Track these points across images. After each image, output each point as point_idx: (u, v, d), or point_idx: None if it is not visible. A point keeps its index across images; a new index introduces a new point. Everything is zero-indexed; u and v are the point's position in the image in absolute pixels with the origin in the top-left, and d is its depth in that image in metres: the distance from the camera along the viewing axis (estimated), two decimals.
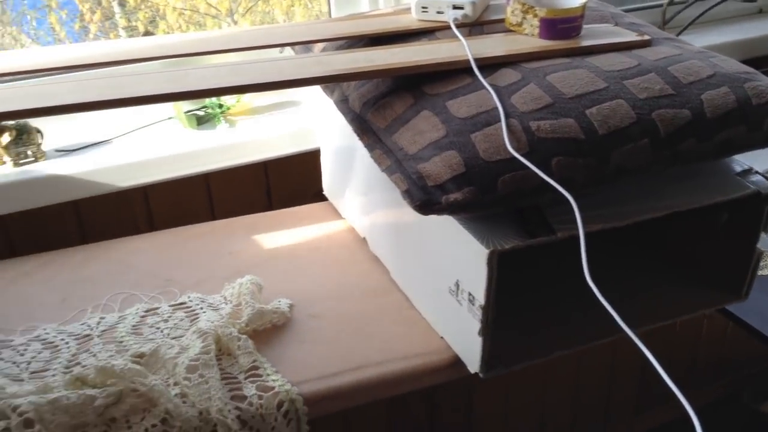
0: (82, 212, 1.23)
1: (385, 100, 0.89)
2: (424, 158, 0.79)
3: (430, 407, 0.99)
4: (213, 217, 1.34)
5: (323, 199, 1.31)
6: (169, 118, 1.34)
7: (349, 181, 1.15)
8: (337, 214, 1.24)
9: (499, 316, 0.81)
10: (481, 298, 0.80)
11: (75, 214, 1.23)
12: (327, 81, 0.97)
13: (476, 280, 0.79)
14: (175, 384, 0.80)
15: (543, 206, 0.83)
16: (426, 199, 0.77)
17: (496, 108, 0.81)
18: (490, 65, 0.89)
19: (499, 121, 0.80)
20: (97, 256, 1.11)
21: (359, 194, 1.12)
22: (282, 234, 1.18)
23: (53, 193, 1.18)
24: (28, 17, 2.22)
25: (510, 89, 0.84)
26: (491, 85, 0.84)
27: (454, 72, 0.88)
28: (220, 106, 1.33)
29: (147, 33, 2.28)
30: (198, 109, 1.34)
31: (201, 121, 1.33)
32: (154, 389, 0.77)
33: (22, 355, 0.88)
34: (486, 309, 0.80)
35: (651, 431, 1.15)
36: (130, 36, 1.92)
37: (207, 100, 1.34)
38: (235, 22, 2.38)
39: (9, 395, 0.77)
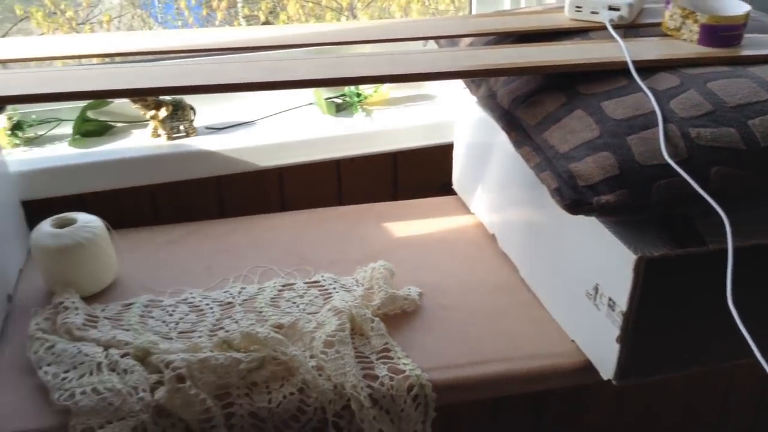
0: (223, 188, 1.30)
1: (536, 97, 0.88)
2: (576, 158, 0.78)
3: (537, 411, 0.98)
4: (340, 202, 1.38)
5: (448, 192, 1.32)
6: (310, 104, 1.38)
7: (481, 176, 1.15)
8: (465, 209, 1.24)
9: (640, 324, 0.79)
10: (623, 304, 0.78)
11: (216, 189, 1.30)
12: (483, 75, 0.98)
13: (619, 286, 0.78)
14: (311, 357, 0.84)
15: (694, 215, 0.80)
16: (576, 198, 0.76)
17: (654, 112, 0.79)
18: (646, 68, 0.87)
19: (656, 125, 0.78)
20: (237, 230, 1.17)
21: (491, 190, 1.12)
22: (410, 224, 1.20)
23: (200, 168, 1.25)
24: (156, 1, 2.34)
25: (668, 94, 0.82)
26: (649, 88, 0.83)
27: (609, 73, 0.87)
28: (359, 95, 1.37)
29: (266, 22, 2.36)
30: (337, 97, 1.38)
31: (339, 109, 1.37)
32: (295, 359, 0.81)
33: (170, 315, 0.94)
34: (627, 316, 0.78)
35: None
36: (250, 25, 1.99)
37: (346, 89, 1.38)
38: (355, 16, 2.43)
39: (162, 351, 0.82)
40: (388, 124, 1.34)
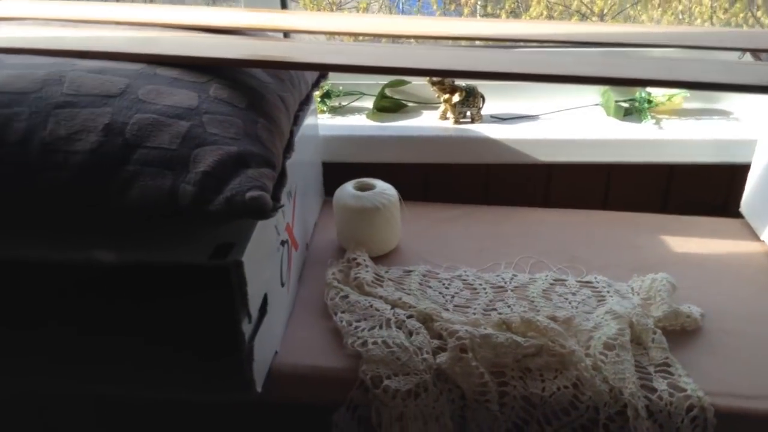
0: (491, 175, 1.32)
1: None
2: None
3: None
4: (603, 206, 1.34)
5: (724, 214, 1.23)
6: (595, 104, 1.36)
7: None
8: (753, 235, 1.15)
9: None
10: None
11: (485, 176, 1.32)
12: None
13: None
14: (587, 355, 0.83)
15: None
16: None
17: None
18: None
19: None
20: (507, 218, 1.19)
21: None
22: (688, 240, 1.14)
23: (474, 153, 1.28)
24: None
25: None
26: None
27: None
28: (649, 101, 1.32)
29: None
30: (626, 101, 1.34)
31: (626, 113, 1.33)
32: (575, 354, 0.80)
33: (446, 288, 0.98)
34: None
35: None
36: None
37: (637, 94, 1.33)
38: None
39: (444, 320, 0.86)
40: (674, 134, 1.28)
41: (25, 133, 0.68)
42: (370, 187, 1.04)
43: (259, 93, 0.82)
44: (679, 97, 1.34)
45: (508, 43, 1.34)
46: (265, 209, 0.68)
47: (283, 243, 0.86)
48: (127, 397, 0.86)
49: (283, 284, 0.86)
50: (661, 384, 0.81)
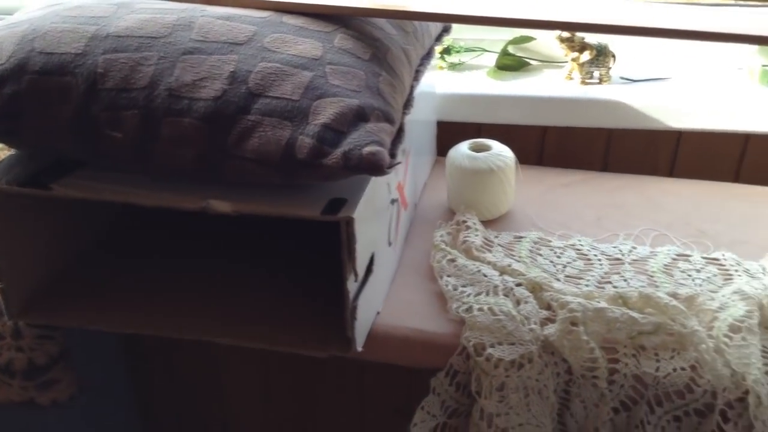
0: (613, 141, 1.25)
1: None
2: None
3: None
4: (735, 179, 1.25)
5: None
6: (739, 68, 1.26)
7: None
8: None
9: None
10: None
11: (606, 141, 1.26)
12: None
13: None
14: (709, 337, 0.78)
15: None
16: None
17: None
18: None
19: None
20: (628, 187, 1.13)
21: None
22: None
23: (598, 117, 1.22)
24: None
25: None
26: None
27: None
28: None
29: None
30: None
31: None
32: (696, 334, 0.76)
33: (558, 257, 0.94)
34: None
35: None
36: None
37: None
38: None
39: (555, 290, 0.83)
40: None
41: (153, 78, 0.71)
42: (486, 149, 1.01)
43: (383, 45, 0.81)
44: None
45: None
46: (381, 165, 0.67)
47: (393, 201, 0.86)
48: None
49: (390, 244, 0.86)
50: None
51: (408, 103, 0.83)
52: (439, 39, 1.05)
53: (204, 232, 0.96)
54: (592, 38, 1.22)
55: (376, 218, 0.79)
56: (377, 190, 0.77)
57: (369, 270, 0.77)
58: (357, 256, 0.70)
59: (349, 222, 0.68)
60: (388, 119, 0.73)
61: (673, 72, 1.27)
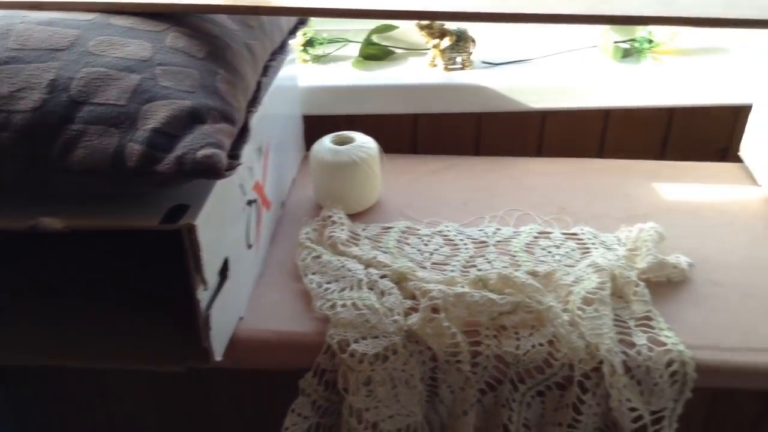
0: (483, 125, 1.28)
1: None
2: None
3: (764, 408, 0.85)
4: (599, 154, 1.30)
5: (726, 159, 1.17)
6: (593, 46, 1.30)
7: None
8: (751, 180, 1.10)
9: None
10: None
11: (476, 125, 1.28)
12: None
13: None
14: (565, 311, 0.80)
15: None
16: None
17: None
18: None
19: None
20: (495, 169, 1.15)
21: None
22: (683, 187, 1.09)
23: (465, 102, 1.23)
24: None
25: None
26: None
27: None
28: (650, 41, 1.25)
29: None
30: (626, 41, 1.28)
31: (625, 54, 1.27)
32: (551, 310, 0.78)
33: (426, 245, 0.95)
34: None
35: None
36: None
37: (638, 34, 1.27)
38: None
39: (419, 279, 0.83)
40: (673, 75, 1.22)
41: None
42: (349, 141, 1.01)
43: (221, 42, 0.78)
44: (682, 35, 1.28)
45: None
46: (218, 168, 0.65)
47: (250, 203, 0.84)
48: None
49: (250, 246, 0.84)
50: (640, 338, 0.78)
51: (255, 101, 0.81)
52: (294, 32, 1.03)
53: (45, 249, 0.90)
54: (451, 24, 1.23)
55: (229, 222, 0.76)
56: (227, 193, 0.75)
57: (224, 276, 0.75)
58: (204, 264, 0.68)
59: (191, 229, 0.66)
60: (228, 119, 0.70)
61: (533, 53, 1.29)
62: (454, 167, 1.16)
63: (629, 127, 1.27)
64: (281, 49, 0.97)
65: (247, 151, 0.81)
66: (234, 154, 0.70)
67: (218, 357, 0.74)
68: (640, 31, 1.27)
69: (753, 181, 1.10)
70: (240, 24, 0.84)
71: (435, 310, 0.78)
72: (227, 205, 0.75)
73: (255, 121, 0.84)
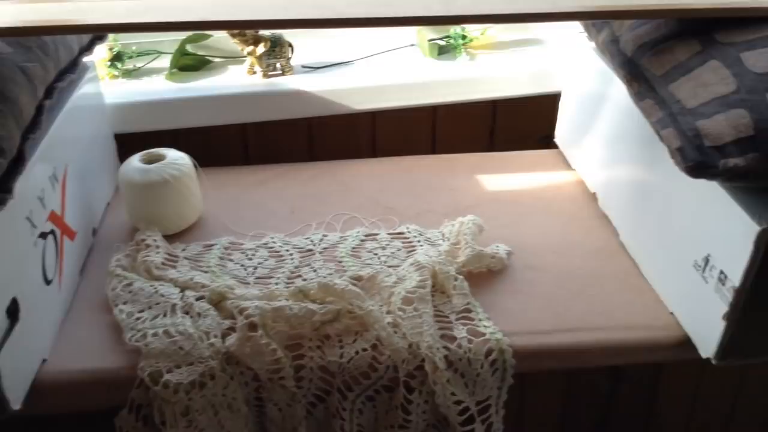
0: (314, 130, 1.26)
1: (666, 44, 0.77)
2: (704, 114, 0.68)
3: (615, 379, 0.90)
4: (433, 150, 1.32)
5: (548, 145, 1.23)
6: (411, 45, 1.31)
7: (588, 130, 1.06)
8: (566, 164, 1.16)
9: (753, 301, 0.70)
10: (736, 279, 0.69)
11: (307, 131, 1.26)
12: (608, 16, 0.86)
13: (734, 258, 0.69)
14: (389, 312, 0.80)
15: None
16: (700, 160, 0.67)
17: None
18: None
19: None
20: (325, 174, 1.14)
21: (597, 146, 1.03)
22: (505, 177, 1.13)
23: (292, 108, 1.21)
24: None
25: None
26: None
27: (757, 21, 0.75)
28: (464, 37, 1.29)
29: None
30: (441, 38, 1.30)
31: (442, 51, 1.29)
32: (371, 314, 0.77)
33: (250, 259, 0.92)
34: (740, 292, 0.69)
35: None
36: None
37: (451, 31, 1.29)
38: None
39: (237, 297, 0.80)
40: (491, 69, 1.26)
41: None
42: (159, 158, 0.96)
43: None
44: (493, 29, 1.32)
45: None
46: None
47: (44, 235, 0.77)
48: None
49: (49, 282, 0.78)
50: (461, 331, 0.79)
51: (35, 126, 0.74)
52: (88, 48, 0.96)
53: None
54: (266, 30, 1.20)
55: (14, 259, 0.70)
56: (9, 228, 0.68)
57: (13, 319, 0.68)
58: None
59: None
60: None
61: (353, 55, 1.29)
62: (282, 176, 1.13)
63: (457, 122, 1.30)
64: (72, 68, 0.90)
65: (35, 180, 0.75)
66: (5, 187, 0.63)
67: (16, 405, 0.68)
68: (454, 28, 1.30)
69: (568, 165, 1.15)
70: (15, 46, 0.77)
71: (252, 327, 0.75)
72: (10, 241, 0.69)
73: (43, 146, 0.78)
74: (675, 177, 0.72)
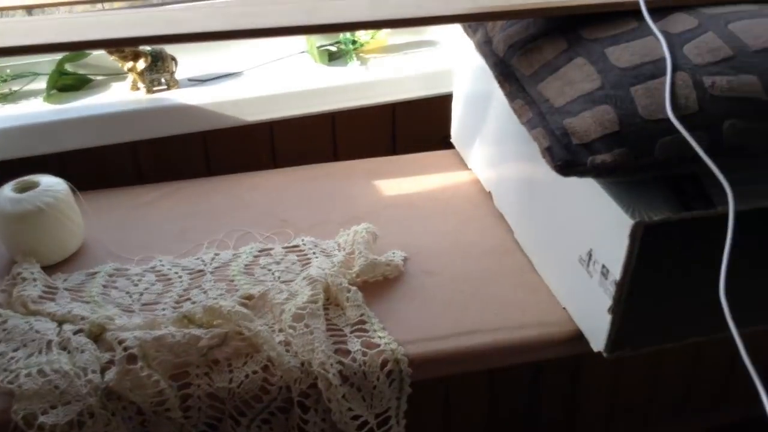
0: (209, 144, 1.22)
1: (535, 44, 0.78)
2: (571, 112, 0.69)
3: (537, 375, 0.91)
4: (336, 157, 1.30)
5: (450, 146, 1.23)
6: (302, 52, 1.29)
7: (480, 129, 1.06)
8: (463, 165, 1.16)
9: (633, 293, 0.71)
10: (616, 272, 0.70)
11: (202, 146, 1.22)
12: (473, 19, 0.87)
13: (614, 252, 0.70)
14: (280, 331, 0.77)
15: (703, 175, 0.71)
16: (569, 159, 0.68)
17: (664, 58, 0.69)
18: (662, 8, 0.76)
19: (666, 73, 0.68)
20: (218, 189, 1.10)
21: (489, 145, 1.03)
22: (403, 181, 1.12)
23: (183, 123, 1.17)
24: None
25: (683, 37, 0.72)
26: (661, 31, 0.72)
27: (619, 15, 0.76)
28: (354, 42, 1.27)
29: None
30: (331, 44, 1.28)
31: (333, 57, 1.27)
32: (259, 335, 0.75)
33: (136, 285, 0.88)
34: (621, 286, 0.70)
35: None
36: None
37: (341, 36, 1.28)
38: None
39: (117, 328, 0.76)
40: (385, 73, 1.25)
41: None
42: (33, 186, 0.90)
43: None
44: (383, 33, 1.31)
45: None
46: None
47: None
48: None
49: None
50: (355, 344, 0.77)
51: None
52: None
53: None
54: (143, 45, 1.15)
55: None
56: None
57: None
58: None
59: None
60: None
61: (241, 66, 1.26)
62: (172, 194, 1.09)
63: (358, 128, 1.29)
64: None
65: None
66: None
67: None
68: (344, 33, 1.28)
69: (465, 165, 1.16)
70: None
71: (132, 359, 0.71)
72: None
73: None
74: (556, 174, 0.73)
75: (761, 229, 0.71)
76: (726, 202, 0.64)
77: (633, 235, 0.67)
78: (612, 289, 0.71)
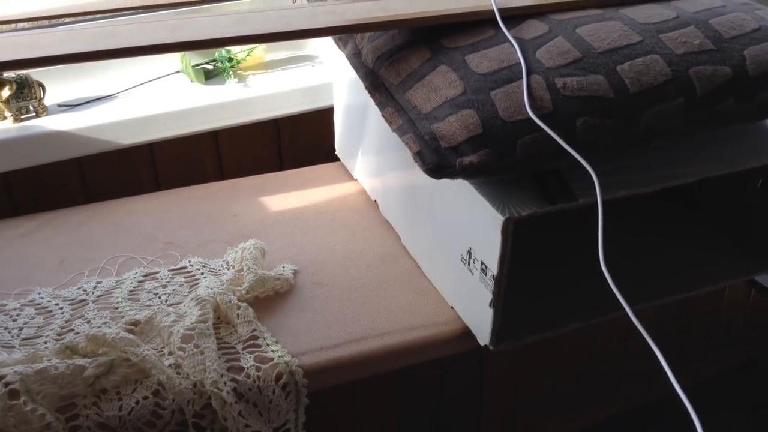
0: (86, 170, 1.19)
1: (401, 54, 0.82)
2: (438, 117, 0.73)
3: (442, 374, 0.94)
4: (222, 176, 1.29)
5: (336, 159, 1.25)
6: (176, 72, 1.28)
7: (361, 140, 1.09)
8: (348, 176, 1.18)
9: (512, 287, 0.76)
10: (494, 267, 0.74)
11: (79, 172, 1.18)
12: (337, 32, 0.90)
13: (490, 249, 0.74)
14: (170, 354, 0.76)
15: (564, 169, 0.76)
16: (438, 162, 0.71)
17: (519, 63, 0.74)
18: (516, 16, 0.82)
19: (521, 77, 0.73)
20: (98, 216, 1.07)
21: (371, 154, 1.06)
22: (290, 195, 1.13)
23: (56, 150, 1.13)
24: None
25: (536, 42, 0.77)
26: (515, 38, 0.77)
27: (477, 24, 0.81)
28: (230, 59, 1.27)
29: None
30: (207, 63, 1.28)
31: (209, 76, 1.27)
32: (146, 360, 0.73)
33: (14, 320, 0.84)
34: (498, 280, 0.74)
35: (663, 399, 1.11)
36: None
37: (216, 54, 1.27)
38: None
39: None
40: (265, 89, 1.25)
41: None
42: None
43: None
44: (260, 49, 1.32)
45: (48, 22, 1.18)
46: None
47: None
48: None
49: None
50: (248, 360, 0.77)
51: None
52: None
53: None
54: (10, 72, 1.11)
55: None
56: None
57: None
58: None
59: None
60: None
61: (113, 89, 1.23)
62: (49, 223, 1.05)
63: (242, 145, 1.28)
64: None
65: None
66: None
67: None
68: (219, 51, 1.28)
69: (350, 176, 1.18)
70: None
71: (14, 394, 0.68)
72: None
73: None
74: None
75: (621, 216, 0.77)
76: (588, 195, 0.69)
77: (504, 231, 0.71)
78: (491, 284, 0.75)
